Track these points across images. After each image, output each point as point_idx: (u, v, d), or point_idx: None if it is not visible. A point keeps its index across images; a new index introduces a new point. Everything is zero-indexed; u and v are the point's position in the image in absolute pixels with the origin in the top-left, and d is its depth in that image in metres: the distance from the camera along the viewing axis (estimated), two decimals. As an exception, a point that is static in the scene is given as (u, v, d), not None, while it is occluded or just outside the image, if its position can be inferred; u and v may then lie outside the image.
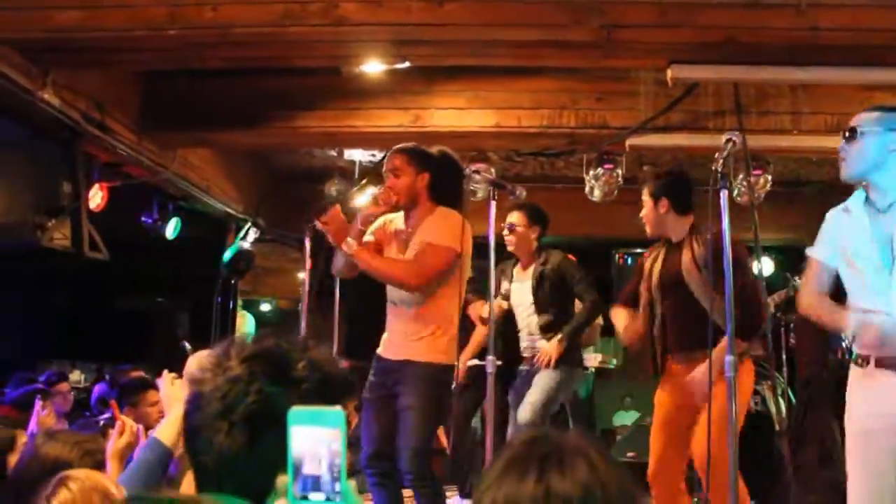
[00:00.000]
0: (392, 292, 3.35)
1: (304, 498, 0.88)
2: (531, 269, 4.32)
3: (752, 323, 3.03)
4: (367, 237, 3.36)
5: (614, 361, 7.26)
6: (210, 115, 5.10)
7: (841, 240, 2.45)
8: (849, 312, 2.36)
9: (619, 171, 5.54)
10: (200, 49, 3.88)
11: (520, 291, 4.33)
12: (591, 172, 5.61)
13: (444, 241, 3.19)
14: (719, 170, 2.48)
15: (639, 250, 8.06)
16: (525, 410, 4.05)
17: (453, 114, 5.02)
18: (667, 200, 3.34)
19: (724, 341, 2.64)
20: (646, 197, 3.41)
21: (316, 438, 0.87)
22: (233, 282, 7.20)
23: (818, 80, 4.19)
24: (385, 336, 3.37)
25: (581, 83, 4.95)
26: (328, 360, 1.23)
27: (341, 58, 4.24)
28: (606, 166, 5.49)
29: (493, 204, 3.06)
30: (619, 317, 3.47)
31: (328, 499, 0.87)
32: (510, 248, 4.33)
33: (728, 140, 2.55)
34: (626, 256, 7.89)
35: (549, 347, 4.17)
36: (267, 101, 5.05)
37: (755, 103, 4.76)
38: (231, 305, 7.22)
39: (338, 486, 0.87)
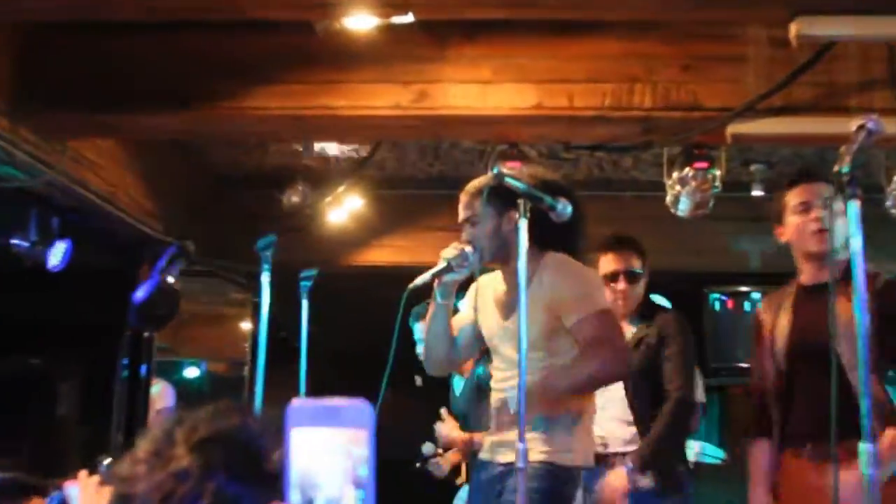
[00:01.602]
0: None
1: None
2: (627, 332, 4.47)
3: None
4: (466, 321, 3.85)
5: (722, 455, 7.20)
6: (118, 89, 5.12)
7: None
8: None
9: (717, 173, 5.58)
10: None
11: None
12: (676, 175, 5.66)
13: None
14: (845, 171, 2.50)
15: (744, 288, 8.11)
16: None
17: (474, 90, 5.04)
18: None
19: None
20: (813, 196, 3.47)
21: (328, 444, 0.89)
22: (146, 335, 7.18)
23: None
24: None
25: (661, 45, 4.97)
26: None
27: (315, 7, 4.27)
28: (698, 166, 5.53)
29: (524, 225, 3.17)
30: (755, 469, 3.61)
31: None
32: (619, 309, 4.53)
33: (860, 128, 2.56)
34: (724, 299, 7.88)
35: (615, 478, 4.36)
36: (202, 69, 5.07)
37: (920, 71, 4.76)
38: (143, 371, 7.20)
39: None
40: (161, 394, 8.70)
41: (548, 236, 3.55)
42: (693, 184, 5.61)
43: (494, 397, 3.70)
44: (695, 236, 6.73)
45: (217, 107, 5.14)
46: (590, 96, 4.98)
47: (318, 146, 6.63)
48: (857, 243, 2.53)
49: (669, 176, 5.70)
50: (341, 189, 6.85)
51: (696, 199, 5.69)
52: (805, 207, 3.50)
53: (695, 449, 6.35)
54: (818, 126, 4.86)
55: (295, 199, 6.86)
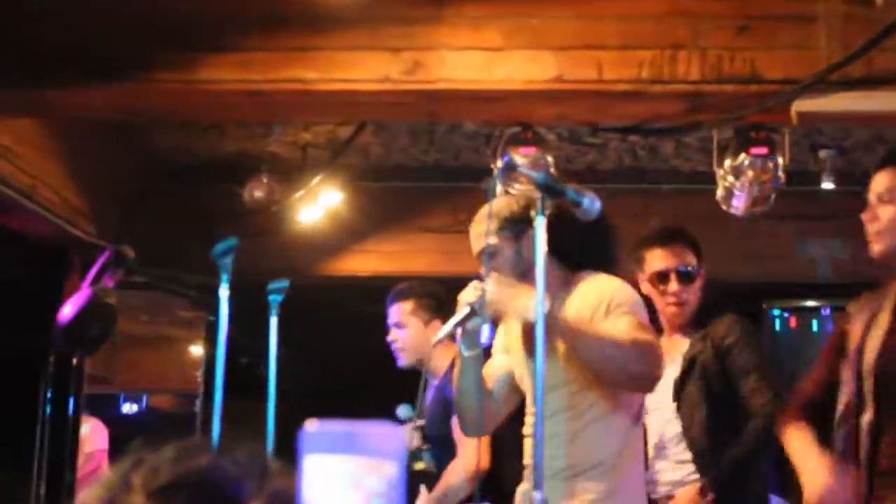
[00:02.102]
0: None
1: None
2: (681, 347, 4.54)
3: None
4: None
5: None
6: (36, 58, 5.11)
7: None
8: None
9: (780, 161, 5.58)
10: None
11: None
12: (729, 163, 5.65)
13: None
14: None
15: (811, 303, 8.09)
16: None
17: (479, 58, 5.03)
18: None
19: None
20: (883, 185, 3.49)
21: (351, 477, 0.92)
22: (75, 361, 7.16)
23: None
24: None
25: (711, 1, 4.99)
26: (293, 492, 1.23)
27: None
28: (756, 152, 5.53)
29: (541, 222, 3.21)
30: (801, 445, 3.54)
31: None
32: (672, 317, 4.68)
33: None
34: (786, 316, 7.85)
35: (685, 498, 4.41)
36: (141, 33, 5.08)
37: None
38: (71, 406, 7.18)
39: None
40: (91, 434, 8.67)
41: (577, 251, 3.71)
42: (750, 174, 5.61)
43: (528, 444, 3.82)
44: (751, 239, 6.70)
45: (159, 79, 5.13)
46: (623, 66, 4.98)
47: (283, 130, 6.59)
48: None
49: (720, 165, 5.70)
50: (315, 181, 6.81)
51: (754, 194, 5.69)
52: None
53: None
54: (906, 102, 4.85)
55: (258, 193, 6.86)
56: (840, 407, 3.46)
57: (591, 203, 3.28)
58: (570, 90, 5.03)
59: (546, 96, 5.09)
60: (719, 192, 5.79)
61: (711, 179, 5.86)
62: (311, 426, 0.93)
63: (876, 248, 3.49)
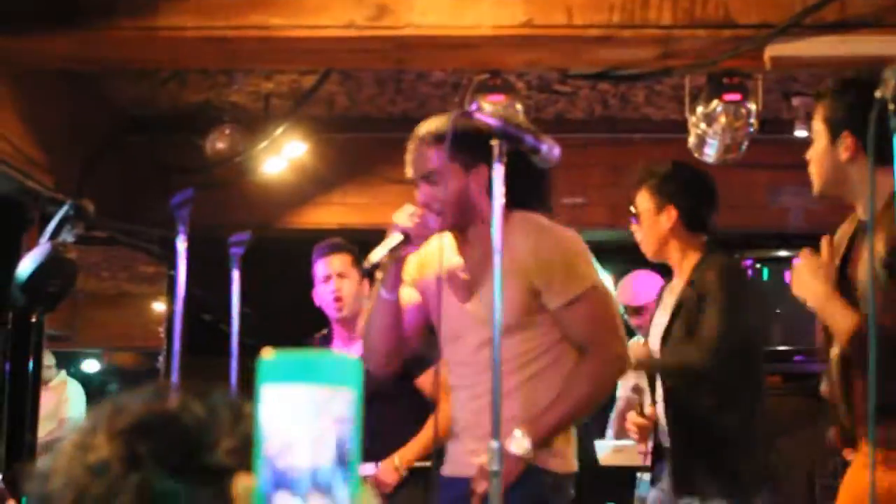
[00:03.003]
0: None
1: None
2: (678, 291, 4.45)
3: None
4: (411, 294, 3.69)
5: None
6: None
7: None
8: None
9: (753, 107, 5.60)
10: None
11: (659, 327, 4.46)
12: (701, 110, 5.66)
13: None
14: (890, 97, 2.49)
15: (784, 253, 8.13)
16: None
17: (447, 3, 5.04)
18: (852, 138, 3.30)
19: None
20: (819, 125, 3.40)
21: (307, 405, 0.92)
22: (35, 319, 7.12)
23: None
24: None
25: (684, -55, 4.96)
26: None
27: None
28: (729, 98, 5.53)
29: (499, 170, 3.02)
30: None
31: None
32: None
33: None
34: (762, 267, 7.87)
35: None
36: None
37: None
38: (31, 364, 7.15)
39: (345, 488, 0.93)
40: (65, 394, 8.70)
41: (517, 192, 3.32)
42: (722, 121, 5.61)
43: (460, 399, 3.65)
44: (723, 188, 6.68)
45: (116, 26, 5.11)
46: (593, 11, 4.98)
47: (245, 79, 6.55)
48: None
49: (693, 112, 5.72)
50: (279, 132, 6.78)
51: (727, 141, 5.71)
52: None
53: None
54: (881, 46, 4.84)
55: (220, 145, 6.82)
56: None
57: (550, 150, 3.20)
58: (540, 35, 5.02)
59: (516, 42, 5.10)
60: (691, 140, 5.82)
61: (683, 128, 5.89)
62: (268, 354, 0.94)
63: (814, 185, 3.46)
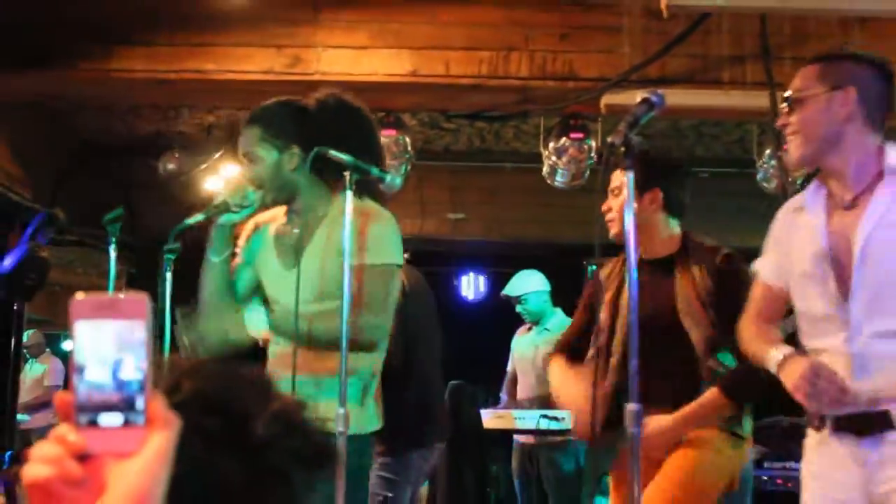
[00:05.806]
0: None
1: (93, 424, 0.91)
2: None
3: (748, 378, 2.97)
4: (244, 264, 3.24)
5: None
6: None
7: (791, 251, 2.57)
8: (772, 348, 2.47)
9: (593, 144, 5.59)
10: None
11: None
12: (552, 145, 5.65)
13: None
14: (618, 143, 2.39)
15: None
16: None
17: (349, 55, 5.01)
18: (659, 192, 3.25)
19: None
20: (617, 181, 3.29)
21: (109, 336, 0.91)
22: (15, 307, 6.97)
23: (882, 11, 4.23)
24: None
25: (538, 13, 4.98)
26: (300, 412, 1.13)
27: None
28: (573, 136, 5.54)
29: (350, 198, 2.84)
30: (559, 375, 3.45)
31: (127, 421, 0.90)
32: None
33: (644, 101, 2.44)
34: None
35: None
36: (61, 26, 4.97)
37: (790, 45, 4.82)
38: (12, 346, 6.98)
39: (139, 402, 0.91)
40: (50, 372, 8.54)
41: (337, 172, 2.98)
42: (569, 154, 5.62)
43: (275, 353, 3.15)
44: (571, 209, 6.73)
45: (77, 68, 5.03)
46: (466, 64, 4.99)
47: (189, 113, 6.48)
48: (630, 217, 2.45)
49: (546, 147, 5.72)
50: (217, 156, 6.71)
51: (573, 171, 5.71)
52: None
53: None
54: (693, 98, 4.92)
55: (171, 166, 6.72)
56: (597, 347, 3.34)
57: (393, 179, 3.03)
58: (424, 83, 5.03)
59: (403, 88, 5.10)
60: (545, 169, 5.81)
61: (539, 159, 5.87)
62: (79, 296, 0.91)
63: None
